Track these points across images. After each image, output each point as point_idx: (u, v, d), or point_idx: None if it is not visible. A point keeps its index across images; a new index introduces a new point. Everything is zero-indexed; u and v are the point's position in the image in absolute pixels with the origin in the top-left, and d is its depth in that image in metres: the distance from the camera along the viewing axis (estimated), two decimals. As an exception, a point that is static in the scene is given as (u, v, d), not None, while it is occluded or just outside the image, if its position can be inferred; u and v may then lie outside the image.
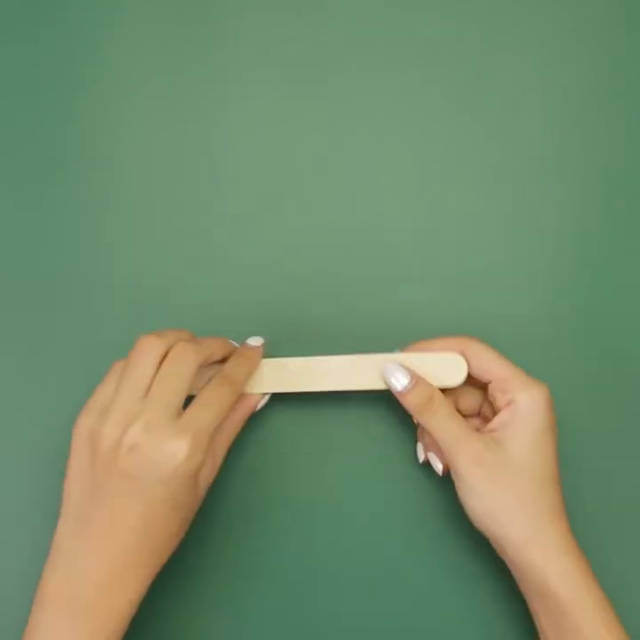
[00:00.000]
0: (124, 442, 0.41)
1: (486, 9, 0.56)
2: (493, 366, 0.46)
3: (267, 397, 0.49)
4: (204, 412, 0.43)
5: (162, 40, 0.55)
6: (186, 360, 0.43)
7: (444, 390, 0.46)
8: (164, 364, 0.43)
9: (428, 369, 0.47)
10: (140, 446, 0.41)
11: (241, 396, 0.48)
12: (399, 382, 0.46)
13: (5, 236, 0.54)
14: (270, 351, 0.50)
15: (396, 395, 0.46)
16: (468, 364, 0.46)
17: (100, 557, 0.41)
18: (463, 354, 0.46)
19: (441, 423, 0.45)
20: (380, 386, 0.47)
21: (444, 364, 0.47)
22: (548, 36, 0.56)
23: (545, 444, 0.44)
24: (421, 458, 0.49)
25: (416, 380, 0.46)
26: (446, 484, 0.48)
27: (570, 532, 0.44)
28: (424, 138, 0.55)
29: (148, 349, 0.43)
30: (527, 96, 0.55)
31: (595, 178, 0.55)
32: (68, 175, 0.54)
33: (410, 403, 0.46)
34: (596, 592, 0.43)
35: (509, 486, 0.43)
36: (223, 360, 0.47)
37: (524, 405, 0.44)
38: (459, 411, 0.47)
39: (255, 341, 0.49)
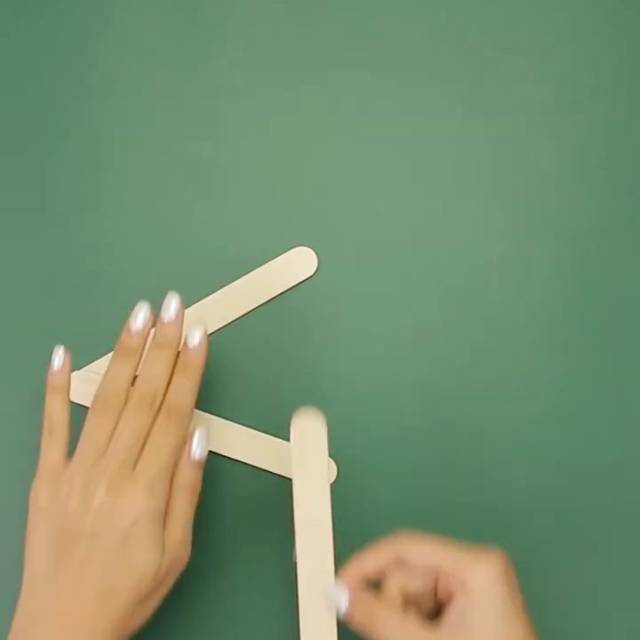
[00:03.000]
0: (90, 507, 0.42)
1: (487, 9, 0.56)
2: (436, 548, 0.42)
3: (201, 437, 0.45)
4: (154, 460, 0.43)
5: (162, 40, 0.55)
6: (141, 418, 0.44)
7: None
8: (120, 424, 0.44)
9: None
10: (104, 507, 0.42)
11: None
12: (341, 607, 0.43)
13: (5, 234, 0.54)
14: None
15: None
16: (411, 557, 0.42)
17: (63, 627, 0.41)
18: (401, 551, 0.43)
19: (393, 634, 0.41)
20: (277, 470, 0.50)
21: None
22: (547, 35, 0.56)
23: (510, 621, 0.40)
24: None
25: (353, 602, 0.42)
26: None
27: None
28: (424, 138, 0.55)
29: (104, 413, 0.44)
30: (527, 96, 0.55)
31: (596, 177, 0.54)
32: (67, 175, 0.54)
33: (355, 625, 0.42)
34: None
35: None
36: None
37: (478, 585, 0.40)
38: (410, 595, 0.43)
39: (193, 338, 0.45)
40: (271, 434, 0.51)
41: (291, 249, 0.53)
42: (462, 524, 0.50)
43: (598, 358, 0.52)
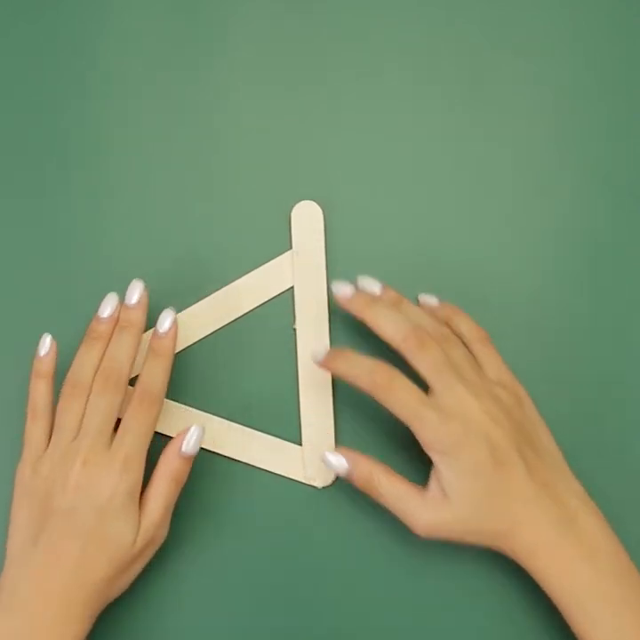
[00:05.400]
0: (68, 482, 0.44)
1: (487, 9, 0.56)
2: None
3: (195, 434, 0.46)
4: (128, 439, 0.45)
5: (162, 40, 0.55)
6: (108, 397, 0.45)
7: None
8: (89, 404, 0.45)
9: None
10: (81, 482, 0.44)
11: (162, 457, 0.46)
12: (340, 468, 0.46)
13: (5, 233, 0.54)
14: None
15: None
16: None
17: (42, 598, 0.43)
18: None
19: (385, 494, 0.46)
20: (277, 470, 0.50)
21: None
22: (547, 35, 0.56)
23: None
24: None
25: (351, 464, 0.46)
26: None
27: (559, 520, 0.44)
28: (424, 138, 0.55)
29: (74, 395, 0.46)
30: (527, 96, 0.55)
31: (596, 177, 0.55)
32: (67, 175, 0.54)
33: (356, 484, 0.46)
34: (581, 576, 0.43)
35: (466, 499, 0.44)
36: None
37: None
38: None
39: (163, 324, 0.47)
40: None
41: (289, 250, 0.53)
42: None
43: (599, 358, 0.53)
